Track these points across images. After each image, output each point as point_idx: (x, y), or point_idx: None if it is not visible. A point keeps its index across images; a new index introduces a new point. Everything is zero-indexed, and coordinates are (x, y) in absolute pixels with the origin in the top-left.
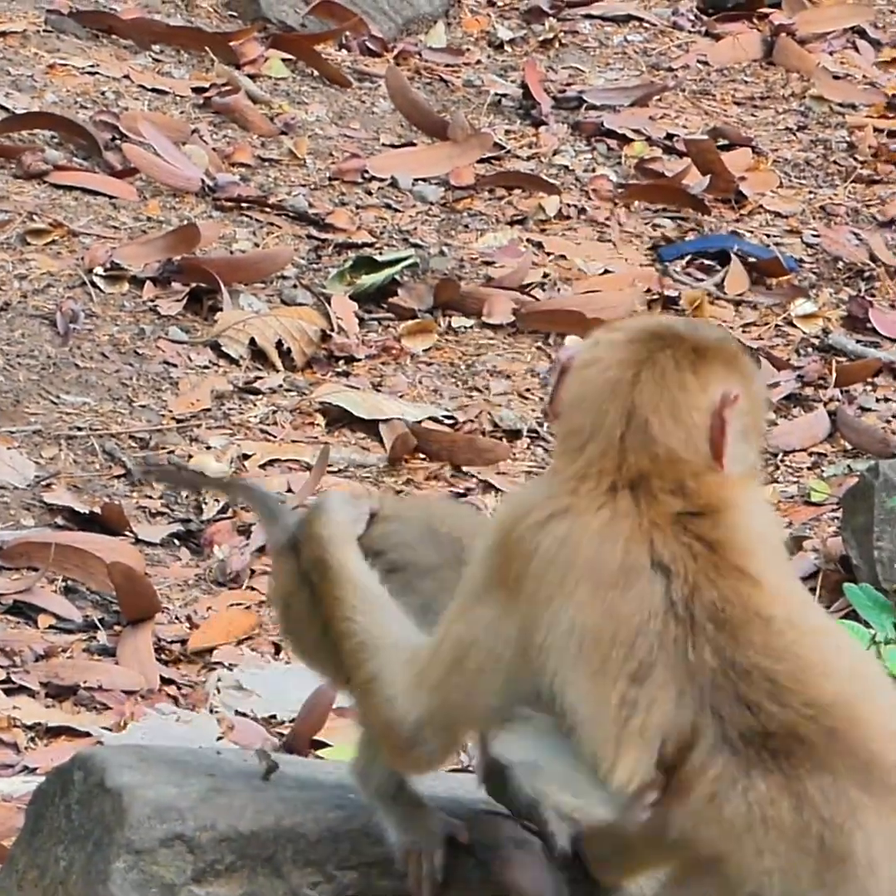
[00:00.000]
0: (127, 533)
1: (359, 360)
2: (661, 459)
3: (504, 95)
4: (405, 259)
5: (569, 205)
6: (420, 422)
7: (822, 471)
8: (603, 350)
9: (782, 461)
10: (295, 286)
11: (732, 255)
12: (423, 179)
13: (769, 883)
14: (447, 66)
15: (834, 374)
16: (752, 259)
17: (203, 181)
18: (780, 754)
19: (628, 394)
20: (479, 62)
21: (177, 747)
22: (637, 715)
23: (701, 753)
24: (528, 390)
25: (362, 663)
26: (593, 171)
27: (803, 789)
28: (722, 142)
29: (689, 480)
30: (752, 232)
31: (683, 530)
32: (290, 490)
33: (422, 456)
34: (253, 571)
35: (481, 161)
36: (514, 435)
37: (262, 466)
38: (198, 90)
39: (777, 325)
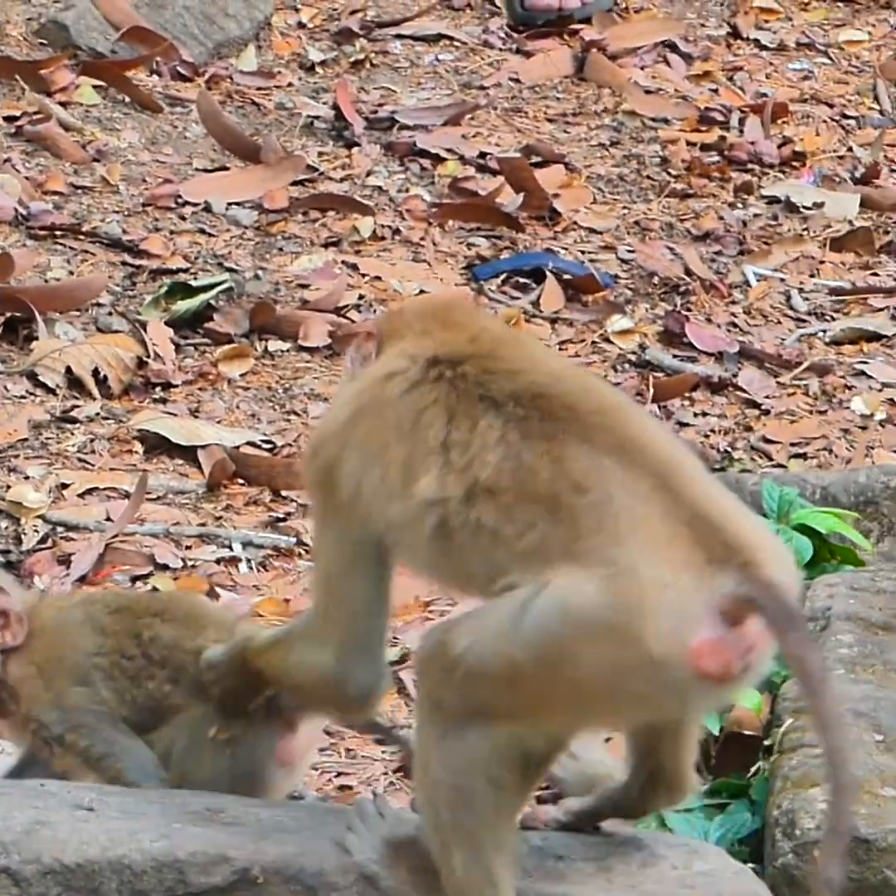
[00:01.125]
0: None
1: (176, 386)
2: None
3: (316, 117)
4: (220, 284)
5: (383, 226)
6: (238, 447)
7: None
8: None
9: None
10: (110, 313)
11: (547, 273)
12: (237, 203)
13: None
14: (259, 88)
15: (651, 390)
16: (567, 276)
17: (16, 210)
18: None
19: None
20: (290, 84)
21: (2, 781)
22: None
23: None
24: None
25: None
26: (407, 191)
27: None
28: (535, 159)
29: None
30: (566, 249)
31: None
32: (108, 518)
33: (240, 481)
34: None
35: (295, 184)
36: None
37: (81, 495)
38: (9, 119)
39: (593, 342)
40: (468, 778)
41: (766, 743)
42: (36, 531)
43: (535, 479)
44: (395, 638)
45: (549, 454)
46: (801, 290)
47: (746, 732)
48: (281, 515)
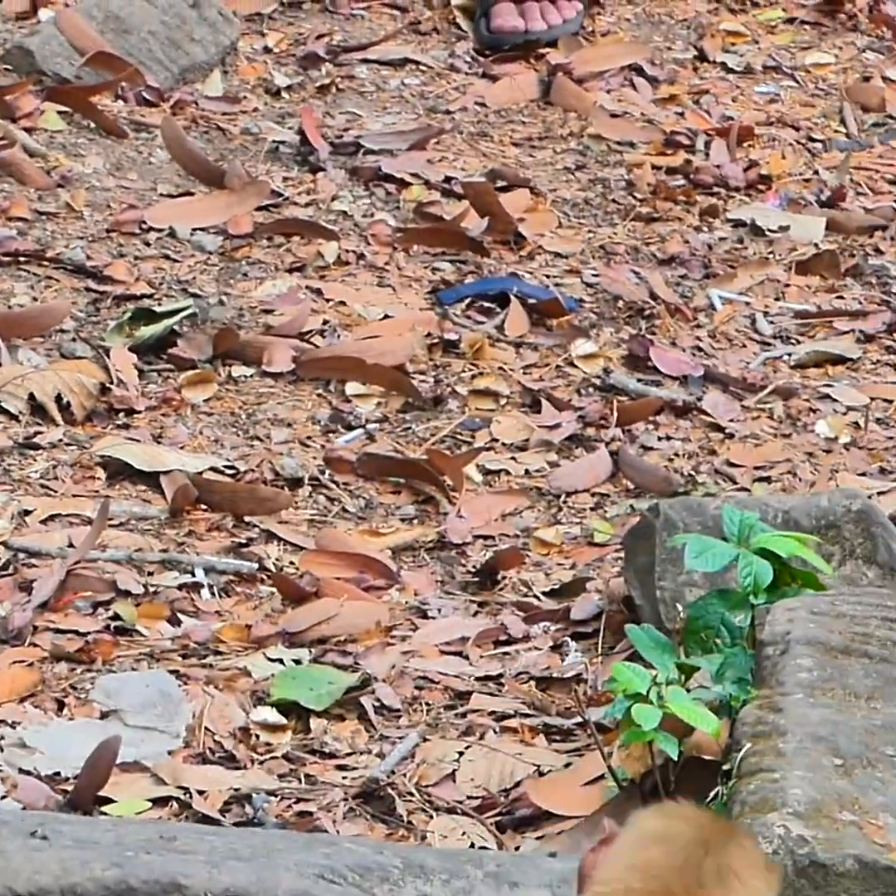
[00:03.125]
0: None
1: (139, 412)
2: None
3: (282, 142)
4: (184, 309)
5: (348, 251)
6: (201, 473)
7: (605, 511)
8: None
9: (564, 503)
10: (74, 339)
11: (512, 297)
12: (202, 229)
13: None
14: (224, 114)
15: (615, 414)
16: (531, 300)
17: None
18: None
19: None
20: (256, 109)
21: None
22: None
23: None
24: (309, 438)
25: None
26: (372, 216)
27: None
28: (500, 183)
29: None
30: (531, 273)
31: None
32: (71, 544)
33: (203, 507)
34: (35, 628)
35: (259, 209)
36: (295, 483)
37: (43, 522)
38: None
39: (558, 366)
40: None
41: (725, 767)
42: None
43: None
44: (356, 663)
45: None
46: (766, 314)
47: (705, 757)
48: (243, 541)
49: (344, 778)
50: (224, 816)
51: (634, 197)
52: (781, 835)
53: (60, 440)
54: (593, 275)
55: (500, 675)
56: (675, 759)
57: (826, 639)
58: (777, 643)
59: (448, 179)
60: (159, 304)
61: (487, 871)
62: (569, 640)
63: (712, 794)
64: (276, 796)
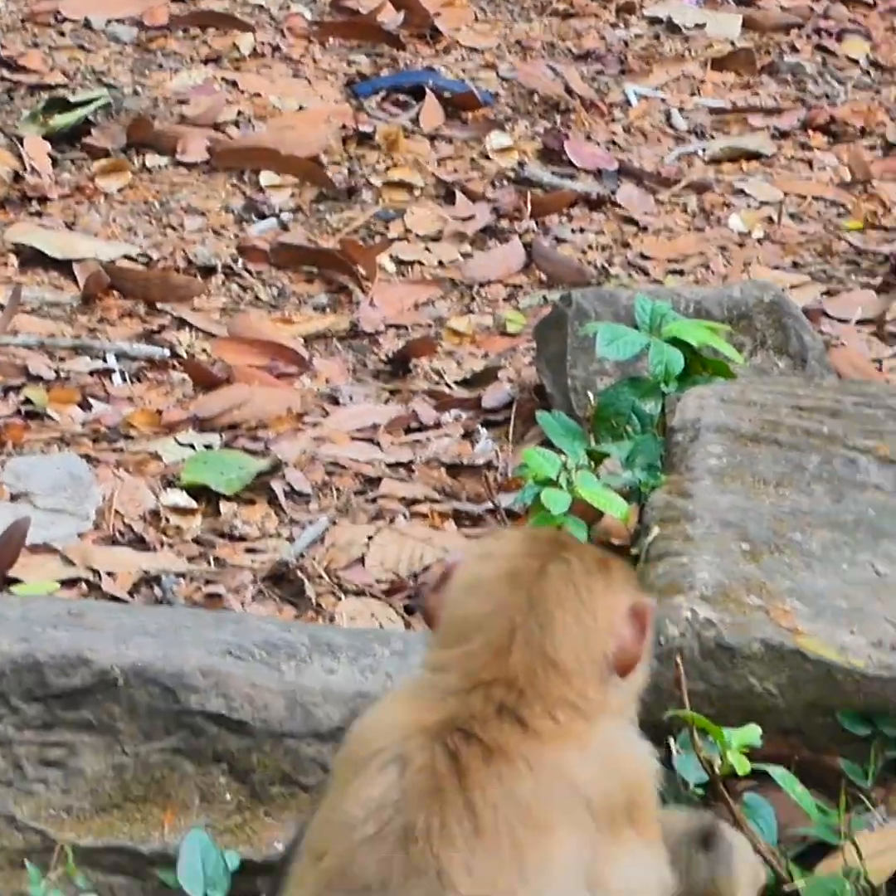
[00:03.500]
0: None
1: (52, 200)
2: (552, 670)
3: None
4: (98, 99)
5: (263, 43)
6: (114, 260)
7: (518, 302)
8: (502, 545)
9: (477, 293)
10: None
11: (427, 90)
12: (118, 20)
13: None
14: None
15: (529, 206)
16: (447, 94)
17: None
18: None
19: (534, 585)
20: None
21: None
22: None
23: None
24: (222, 227)
25: None
26: (288, 8)
27: None
28: None
29: (565, 705)
30: (447, 67)
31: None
32: None
33: (116, 294)
34: None
35: (175, 0)
36: (208, 271)
37: None
38: None
39: (472, 159)
40: None
41: (634, 552)
42: None
43: None
44: (266, 448)
45: None
46: (681, 109)
47: (615, 542)
48: (155, 328)
49: (253, 561)
50: (133, 598)
51: None
52: (688, 618)
53: None
54: (509, 69)
55: (411, 462)
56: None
57: (736, 426)
58: (687, 430)
59: None
60: (74, 94)
61: (394, 649)
62: (480, 427)
63: None
64: (185, 578)
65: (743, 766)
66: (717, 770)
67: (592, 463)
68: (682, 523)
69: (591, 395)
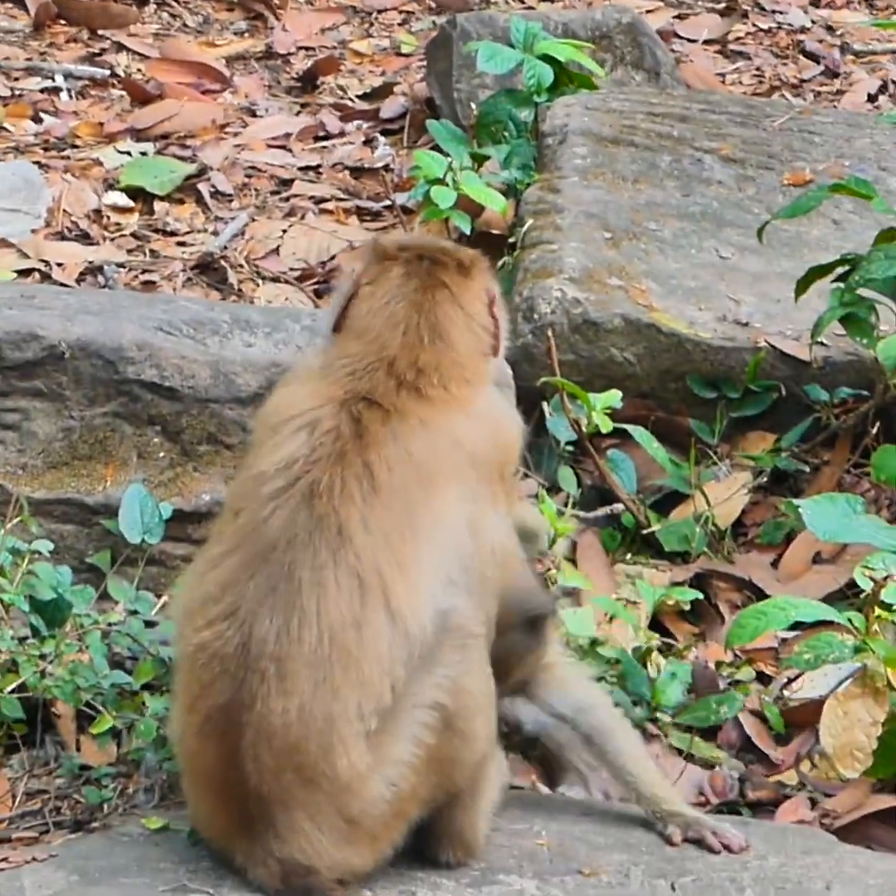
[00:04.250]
0: None
1: None
2: (452, 363)
3: None
4: None
5: None
6: None
7: (411, 26)
8: (391, 266)
9: (376, 18)
10: None
11: None
12: None
13: None
14: None
15: None
16: None
17: None
18: None
19: (424, 304)
20: None
21: None
22: None
23: None
24: None
25: None
26: None
27: None
28: None
29: (457, 379)
30: None
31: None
32: None
33: (63, 21)
34: None
35: None
36: (143, 2)
37: None
38: None
39: None
40: None
41: (511, 241)
42: None
43: None
44: (194, 155)
45: None
46: None
47: (494, 232)
48: (97, 51)
49: (183, 252)
50: (79, 285)
51: None
52: (559, 297)
53: None
54: None
55: (319, 166)
56: (468, 233)
57: (598, 130)
58: (556, 134)
59: None
60: None
61: (304, 324)
62: (378, 135)
63: (499, 263)
64: (124, 268)
65: (606, 424)
66: (584, 429)
67: (475, 164)
68: (552, 215)
69: (473, 105)
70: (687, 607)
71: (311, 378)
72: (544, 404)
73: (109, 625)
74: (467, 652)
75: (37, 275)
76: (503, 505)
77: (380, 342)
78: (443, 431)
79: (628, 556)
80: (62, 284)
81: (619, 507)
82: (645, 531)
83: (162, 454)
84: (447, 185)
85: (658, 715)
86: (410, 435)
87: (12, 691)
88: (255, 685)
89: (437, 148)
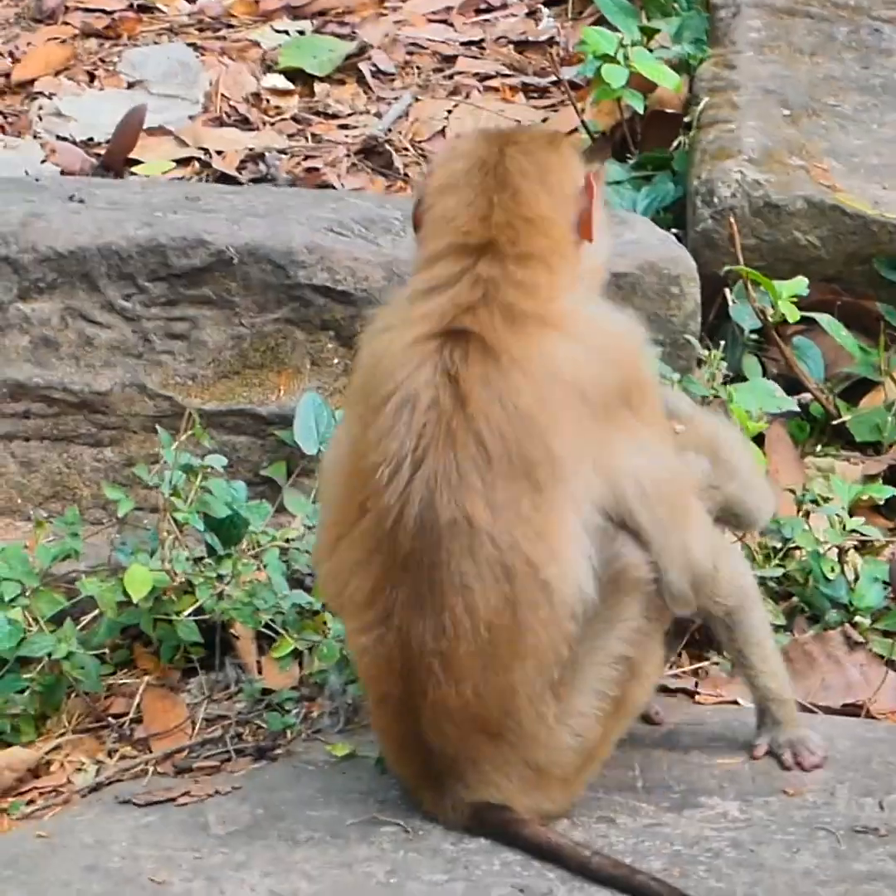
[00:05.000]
0: None
1: None
2: (528, 226)
3: None
4: None
5: None
6: None
7: None
8: (461, 144)
9: None
10: None
11: None
12: None
13: None
14: None
15: None
16: None
17: None
18: None
19: (498, 165)
20: None
21: None
22: None
23: None
24: None
25: None
26: None
27: None
28: None
29: (543, 266)
30: None
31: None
32: None
33: None
34: (67, 7)
35: None
36: None
37: None
38: None
39: None
40: None
41: (686, 120)
42: None
43: None
44: (353, 32)
45: None
46: None
47: (668, 111)
48: None
49: (346, 136)
50: (240, 174)
51: None
52: (738, 179)
53: None
54: None
55: (482, 40)
56: (641, 113)
57: (772, 1)
58: (729, 6)
59: None
60: None
61: None
62: (541, 6)
63: (675, 143)
64: (286, 154)
65: (793, 315)
66: (769, 318)
67: (644, 38)
68: (728, 92)
69: None
70: (881, 502)
71: (400, 316)
72: (727, 291)
73: (287, 541)
74: (643, 599)
75: (196, 163)
76: (642, 432)
77: (453, 224)
78: (540, 367)
79: (818, 447)
80: (223, 174)
81: (807, 396)
82: (835, 422)
83: (336, 360)
84: (618, 62)
85: (857, 619)
86: (510, 384)
87: (189, 614)
88: (423, 677)
89: (603, 22)
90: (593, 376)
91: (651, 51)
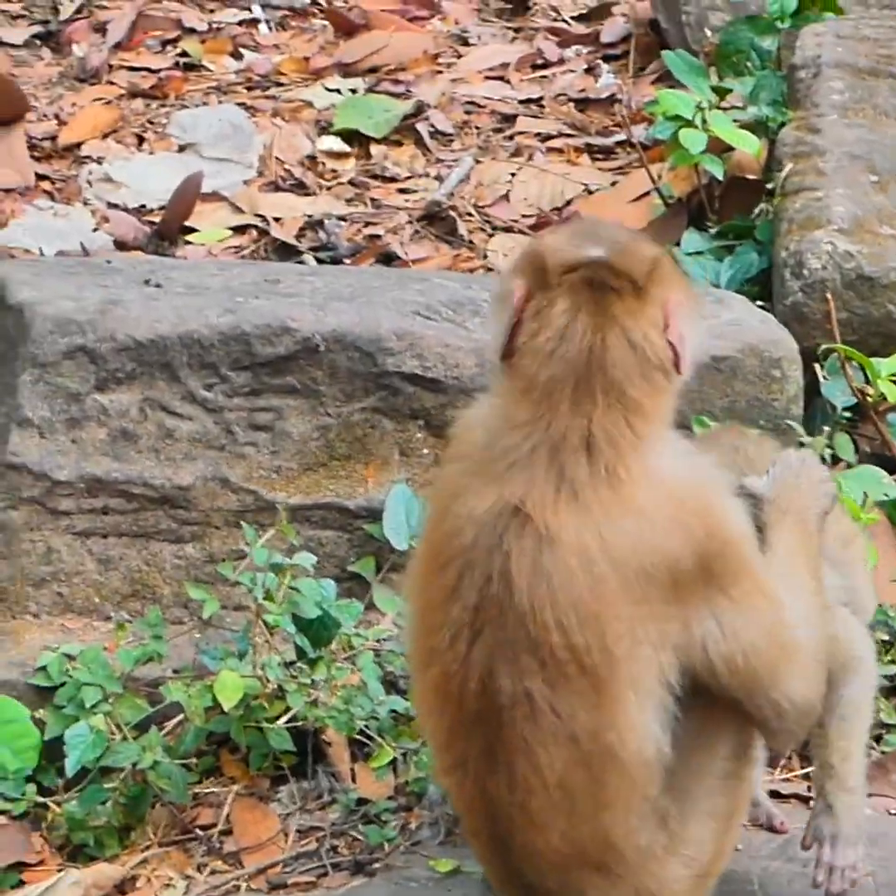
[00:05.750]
0: None
1: None
2: (626, 411)
3: None
4: None
5: None
6: None
7: None
8: (553, 302)
9: None
10: None
11: None
12: None
13: None
14: None
15: None
16: None
17: None
18: None
19: (588, 350)
20: None
21: (67, 260)
22: None
23: None
24: None
25: None
26: None
27: None
28: None
29: (638, 416)
30: None
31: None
32: None
33: None
34: (111, 67)
35: None
36: None
37: None
38: None
39: None
40: None
41: (768, 186)
42: (72, 0)
43: None
44: (408, 91)
45: None
46: None
47: (748, 176)
48: None
49: (406, 200)
50: (300, 242)
51: None
52: (829, 251)
53: None
54: None
55: (541, 98)
56: (720, 179)
57: (854, 61)
58: (809, 66)
59: None
60: None
61: None
62: (600, 62)
63: (756, 211)
64: (346, 221)
65: (892, 393)
66: (867, 398)
67: (717, 98)
68: (814, 158)
69: (706, 31)
70: None
71: (474, 461)
72: (817, 367)
73: (379, 642)
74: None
75: (253, 231)
76: (722, 599)
77: (547, 405)
78: (597, 552)
79: None
80: (282, 243)
81: None
82: None
83: (426, 450)
84: (695, 126)
85: None
86: (559, 570)
87: (281, 721)
88: (504, 824)
89: (667, 77)
90: (661, 555)
91: (725, 111)
